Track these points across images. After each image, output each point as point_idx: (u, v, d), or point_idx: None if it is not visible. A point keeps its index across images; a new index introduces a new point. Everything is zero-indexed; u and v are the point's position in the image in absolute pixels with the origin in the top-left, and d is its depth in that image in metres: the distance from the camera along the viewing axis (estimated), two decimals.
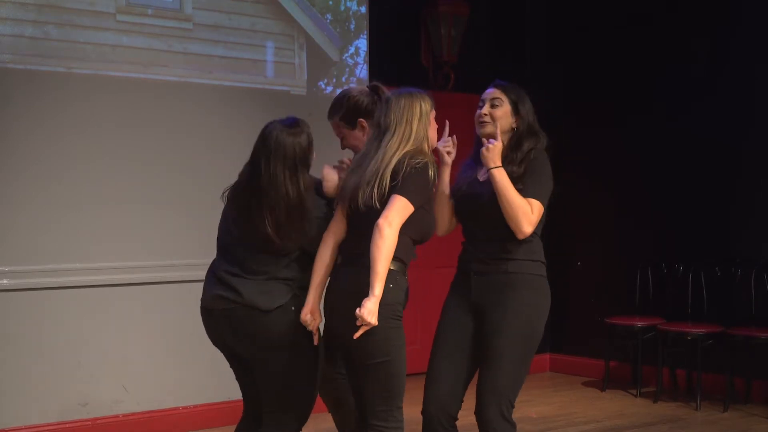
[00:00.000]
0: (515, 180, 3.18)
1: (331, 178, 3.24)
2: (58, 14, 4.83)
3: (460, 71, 6.79)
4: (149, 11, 5.10)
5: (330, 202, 3.22)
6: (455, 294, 3.35)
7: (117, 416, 4.93)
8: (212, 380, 5.10)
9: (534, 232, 3.21)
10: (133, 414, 4.97)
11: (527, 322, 3.20)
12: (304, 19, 5.66)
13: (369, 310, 2.84)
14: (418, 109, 3.08)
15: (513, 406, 3.21)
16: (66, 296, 4.79)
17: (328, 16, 5.81)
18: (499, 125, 3.25)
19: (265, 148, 3.08)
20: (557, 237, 6.96)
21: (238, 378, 3.30)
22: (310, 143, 3.12)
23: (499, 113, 3.27)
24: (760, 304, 5.79)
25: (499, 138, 3.23)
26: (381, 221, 2.91)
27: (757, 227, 5.93)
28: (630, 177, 6.58)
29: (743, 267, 5.88)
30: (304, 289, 3.11)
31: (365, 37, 5.92)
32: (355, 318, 2.87)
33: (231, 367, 3.28)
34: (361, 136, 3.41)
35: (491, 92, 3.32)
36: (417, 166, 3.00)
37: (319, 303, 3.12)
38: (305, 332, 3.08)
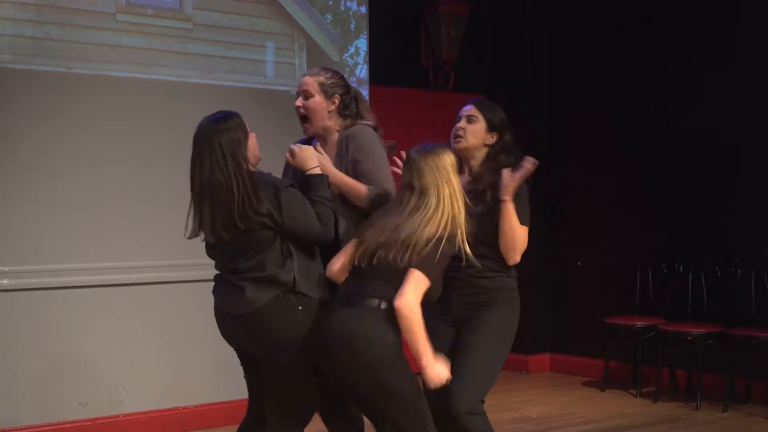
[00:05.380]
0: (497, 202, 3.26)
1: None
2: (58, 14, 4.83)
3: (460, 71, 6.79)
4: (149, 11, 5.10)
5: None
6: (430, 306, 3.37)
7: (117, 416, 4.93)
8: (212, 380, 5.10)
9: None
10: (133, 414, 4.97)
11: (501, 326, 3.32)
12: (304, 19, 5.66)
13: (437, 374, 2.90)
14: (450, 164, 3.07)
15: (483, 402, 3.25)
16: (66, 296, 4.80)
17: (328, 16, 5.81)
18: (470, 140, 3.36)
19: (195, 147, 3.06)
20: (557, 237, 6.98)
21: (246, 376, 3.30)
22: (240, 135, 3.05)
23: (471, 129, 3.38)
24: (760, 304, 5.78)
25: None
26: (400, 303, 2.87)
27: (757, 227, 5.92)
28: (630, 177, 6.57)
29: (743, 267, 5.87)
30: (306, 288, 3.09)
31: (365, 37, 5.92)
32: (359, 364, 2.88)
33: (242, 365, 3.29)
34: (325, 107, 3.34)
35: (468, 109, 3.43)
36: (450, 238, 2.98)
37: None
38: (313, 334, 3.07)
